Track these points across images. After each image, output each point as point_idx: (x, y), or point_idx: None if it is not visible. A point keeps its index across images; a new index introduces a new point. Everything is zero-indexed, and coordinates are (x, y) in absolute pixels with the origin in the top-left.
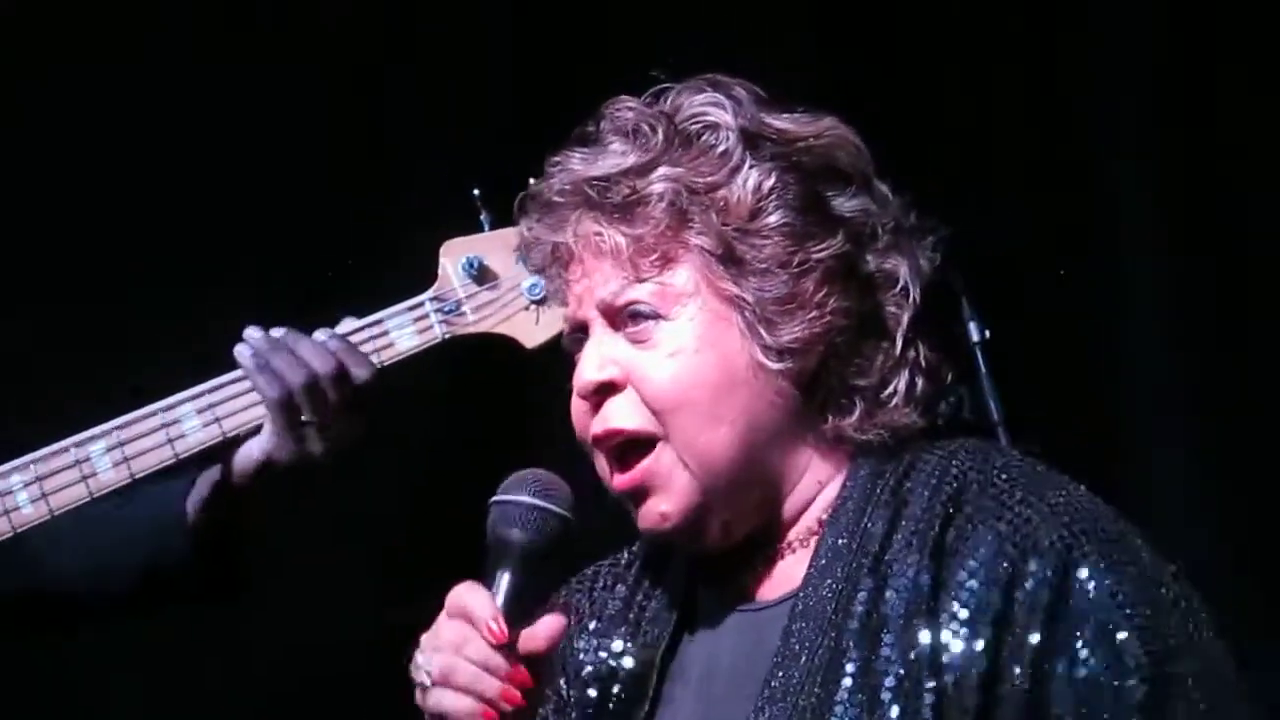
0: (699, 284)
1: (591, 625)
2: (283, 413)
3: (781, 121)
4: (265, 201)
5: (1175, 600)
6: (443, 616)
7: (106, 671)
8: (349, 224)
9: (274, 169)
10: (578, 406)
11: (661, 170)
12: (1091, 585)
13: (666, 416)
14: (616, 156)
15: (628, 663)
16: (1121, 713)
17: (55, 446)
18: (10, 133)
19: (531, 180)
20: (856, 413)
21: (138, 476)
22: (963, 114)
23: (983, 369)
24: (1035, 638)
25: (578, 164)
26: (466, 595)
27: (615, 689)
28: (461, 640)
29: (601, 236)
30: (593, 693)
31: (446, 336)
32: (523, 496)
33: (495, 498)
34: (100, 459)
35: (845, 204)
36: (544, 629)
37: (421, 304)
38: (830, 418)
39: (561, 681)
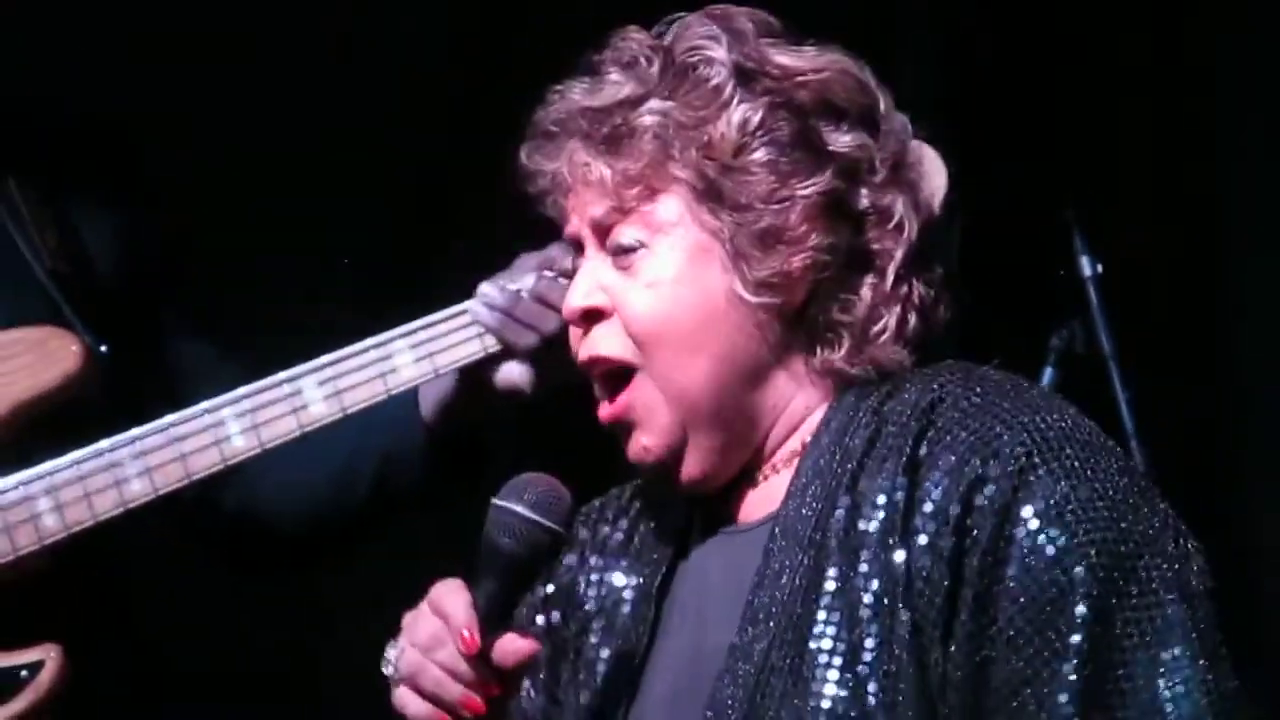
0: (682, 215)
1: (593, 560)
2: (536, 356)
3: (785, 56)
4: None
5: (1134, 510)
6: (424, 608)
7: None
8: None
9: None
10: (573, 333)
11: (651, 104)
12: (1046, 488)
13: (645, 346)
14: (612, 88)
15: (628, 594)
16: (1068, 616)
17: (267, 380)
18: None
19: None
20: (844, 347)
21: (349, 411)
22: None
23: (1095, 303)
24: (987, 538)
25: (577, 94)
26: (447, 596)
27: (619, 621)
28: (434, 642)
29: (589, 167)
30: (597, 625)
31: None
32: (517, 506)
33: (494, 500)
34: (311, 392)
35: (839, 139)
36: (516, 647)
37: None
38: (818, 350)
39: (566, 620)
